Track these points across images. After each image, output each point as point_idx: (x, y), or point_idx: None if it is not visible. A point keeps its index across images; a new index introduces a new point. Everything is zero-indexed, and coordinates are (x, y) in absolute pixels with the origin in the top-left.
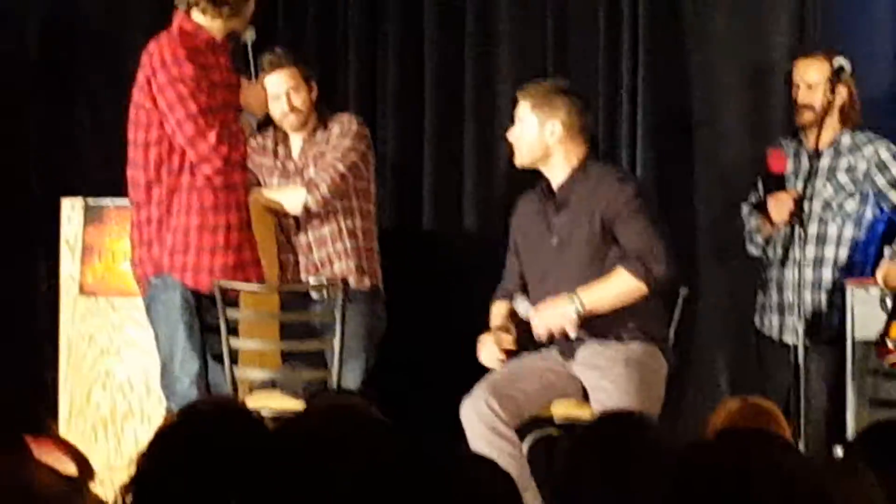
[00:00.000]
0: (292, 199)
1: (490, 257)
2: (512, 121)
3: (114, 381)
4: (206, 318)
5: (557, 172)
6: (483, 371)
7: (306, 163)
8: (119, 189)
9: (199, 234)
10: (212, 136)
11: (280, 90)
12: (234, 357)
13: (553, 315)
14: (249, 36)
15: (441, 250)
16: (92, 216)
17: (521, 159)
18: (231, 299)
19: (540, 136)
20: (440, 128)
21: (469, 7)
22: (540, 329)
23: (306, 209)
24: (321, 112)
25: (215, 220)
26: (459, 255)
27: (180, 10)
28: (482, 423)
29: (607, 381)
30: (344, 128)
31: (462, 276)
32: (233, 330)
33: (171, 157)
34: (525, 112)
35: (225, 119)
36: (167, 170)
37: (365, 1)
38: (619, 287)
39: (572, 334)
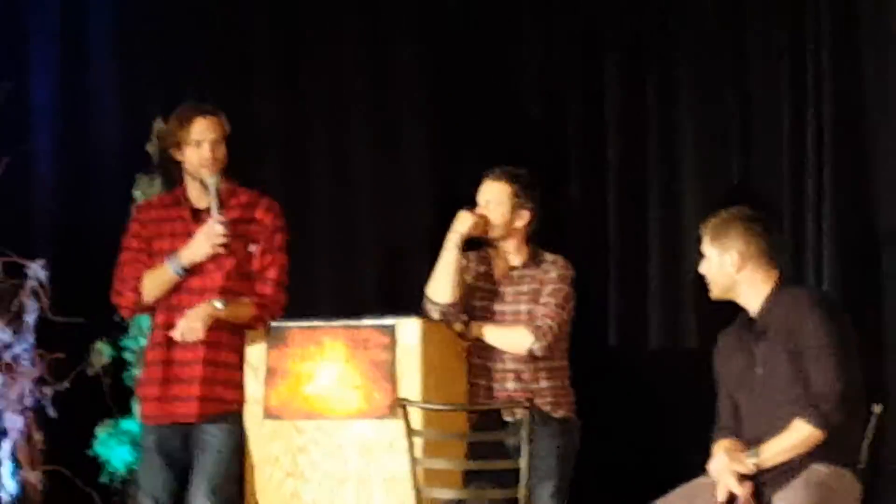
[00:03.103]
0: (519, 341)
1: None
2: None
3: None
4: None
5: (751, 301)
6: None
7: (516, 296)
8: (299, 311)
9: None
10: None
11: (481, 199)
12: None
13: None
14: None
15: (628, 372)
16: (275, 339)
17: (714, 292)
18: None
19: (721, 269)
20: (623, 254)
21: (650, 131)
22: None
23: (530, 353)
24: (533, 245)
25: None
26: (645, 374)
27: None
28: None
29: (785, 502)
30: (561, 272)
31: (649, 397)
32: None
33: None
34: (706, 246)
35: None
36: None
37: (552, 139)
38: (796, 440)
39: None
